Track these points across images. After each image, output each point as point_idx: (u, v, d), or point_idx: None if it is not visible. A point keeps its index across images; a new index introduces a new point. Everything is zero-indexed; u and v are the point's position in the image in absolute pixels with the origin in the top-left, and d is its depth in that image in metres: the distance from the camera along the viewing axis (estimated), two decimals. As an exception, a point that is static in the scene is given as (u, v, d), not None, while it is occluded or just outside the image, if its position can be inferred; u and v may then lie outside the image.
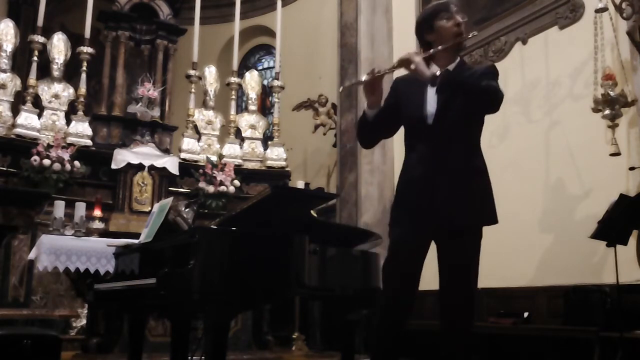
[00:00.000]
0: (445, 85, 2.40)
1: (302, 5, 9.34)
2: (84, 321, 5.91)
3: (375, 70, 2.47)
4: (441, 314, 2.43)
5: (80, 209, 5.35)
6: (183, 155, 7.61)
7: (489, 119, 6.25)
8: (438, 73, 2.40)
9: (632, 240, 4.04)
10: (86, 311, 5.53)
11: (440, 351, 2.41)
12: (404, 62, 2.41)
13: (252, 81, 8.34)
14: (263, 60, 10.76)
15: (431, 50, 2.50)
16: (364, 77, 2.47)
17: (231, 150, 7.85)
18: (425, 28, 2.57)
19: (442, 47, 2.47)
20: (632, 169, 4.39)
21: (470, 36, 2.53)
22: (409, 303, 2.47)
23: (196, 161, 7.62)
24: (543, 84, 5.43)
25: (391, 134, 2.70)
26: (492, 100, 2.40)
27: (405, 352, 2.50)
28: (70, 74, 7.53)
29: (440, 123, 2.43)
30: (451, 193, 2.37)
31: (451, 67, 2.53)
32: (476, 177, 2.46)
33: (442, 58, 2.51)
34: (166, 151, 7.48)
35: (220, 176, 7.35)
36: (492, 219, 2.47)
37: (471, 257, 2.41)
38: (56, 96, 7.14)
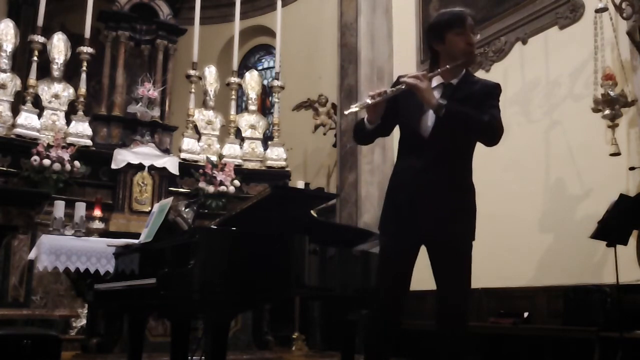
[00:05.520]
0: (446, 120, 2.35)
1: (302, 5, 9.34)
2: (84, 321, 5.91)
3: (380, 92, 2.41)
4: (437, 317, 2.46)
5: (80, 209, 5.35)
6: (183, 155, 7.62)
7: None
8: (444, 102, 2.35)
9: (632, 240, 4.04)
10: (86, 311, 5.53)
11: (439, 354, 2.44)
12: (411, 87, 2.37)
13: (252, 81, 8.34)
14: (263, 60, 10.76)
15: (438, 70, 2.44)
16: (368, 101, 2.41)
17: (231, 150, 7.85)
18: (435, 36, 2.49)
19: (450, 66, 2.42)
20: (632, 169, 4.39)
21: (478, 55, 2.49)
22: (400, 305, 2.50)
23: (196, 161, 7.62)
24: (543, 84, 5.43)
25: (388, 133, 2.66)
26: (492, 138, 2.41)
27: (405, 353, 2.52)
28: (70, 74, 7.53)
29: (436, 138, 2.41)
30: (437, 207, 2.38)
31: (455, 81, 2.48)
32: (464, 195, 2.46)
33: (446, 71, 2.45)
34: (166, 151, 7.48)
35: (220, 176, 7.36)
36: (472, 236, 2.47)
37: (459, 267, 2.43)
38: (56, 96, 7.15)
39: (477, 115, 2.36)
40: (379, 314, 2.51)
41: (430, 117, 2.43)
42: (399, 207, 2.46)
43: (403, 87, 2.40)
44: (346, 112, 2.53)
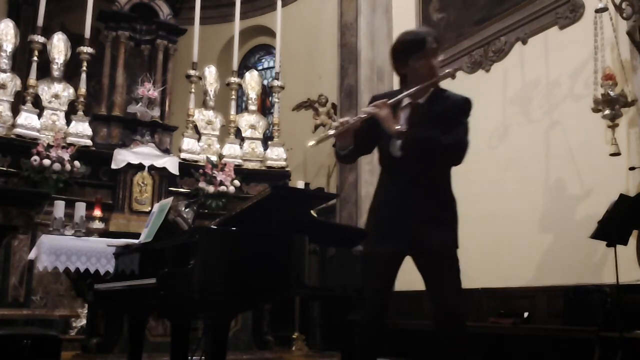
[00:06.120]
0: (407, 147, 2.43)
1: (302, 5, 9.33)
2: (84, 321, 5.91)
3: (343, 121, 2.49)
4: (435, 322, 2.50)
5: (80, 209, 5.35)
6: (183, 155, 7.62)
7: (489, 119, 6.25)
8: (403, 129, 2.42)
9: (632, 240, 4.04)
10: (86, 311, 5.53)
11: (438, 354, 2.47)
12: (372, 116, 2.45)
13: (252, 81, 8.34)
14: (263, 60, 10.76)
15: (398, 97, 2.50)
16: (331, 131, 2.51)
17: (231, 150, 7.85)
18: (399, 60, 2.55)
19: (412, 91, 2.47)
20: (632, 169, 4.39)
21: (445, 77, 2.50)
22: (384, 307, 2.57)
23: (196, 161, 7.62)
24: (543, 84, 5.43)
25: (369, 151, 2.73)
26: (454, 160, 2.47)
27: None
28: (70, 74, 7.53)
29: (407, 159, 2.47)
30: (421, 220, 2.44)
31: (422, 100, 2.53)
32: (445, 207, 2.52)
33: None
34: (166, 151, 7.48)
35: (220, 176, 7.36)
36: (456, 245, 2.52)
37: (449, 272, 2.48)
38: (56, 96, 7.15)
39: (437, 139, 2.40)
40: (369, 317, 2.57)
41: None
42: (385, 220, 2.54)
43: (364, 116, 2.47)
44: (309, 145, 2.61)
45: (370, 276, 2.61)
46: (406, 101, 2.53)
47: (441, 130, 2.41)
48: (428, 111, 2.49)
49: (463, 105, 2.52)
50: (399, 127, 2.42)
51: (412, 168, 2.47)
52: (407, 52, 2.50)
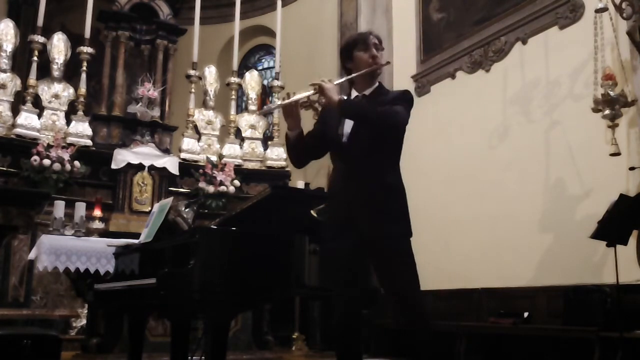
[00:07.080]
0: (343, 114, 2.61)
1: (302, 5, 9.33)
2: (84, 321, 5.91)
3: (291, 95, 2.63)
4: (402, 320, 2.53)
5: (80, 209, 5.35)
6: (183, 155, 7.62)
7: (489, 119, 6.24)
8: (344, 97, 2.60)
9: (632, 240, 4.04)
10: (86, 311, 5.52)
11: (408, 350, 2.51)
12: (317, 89, 2.64)
13: (252, 81, 8.34)
14: (263, 60, 10.75)
15: (343, 78, 2.76)
16: (279, 102, 2.64)
17: (231, 150, 7.85)
18: (345, 56, 2.79)
19: (355, 75, 2.70)
20: (632, 169, 4.39)
21: (384, 64, 2.75)
22: (355, 300, 2.59)
23: (196, 161, 7.62)
24: (543, 84, 5.43)
25: (320, 155, 2.87)
26: (385, 125, 2.57)
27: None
28: (70, 74, 7.53)
29: (354, 142, 2.61)
30: (363, 208, 2.52)
31: (368, 91, 2.73)
32: (392, 196, 2.57)
33: (360, 83, 2.74)
34: (166, 151, 7.48)
35: (220, 176, 7.36)
36: (408, 234, 2.55)
37: (403, 267, 2.49)
38: (56, 96, 7.14)
39: (372, 108, 2.57)
40: (341, 315, 2.57)
41: (348, 123, 2.66)
42: (333, 212, 2.62)
43: (310, 91, 2.68)
44: (257, 112, 2.71)
45: (333, 272, 2.61)
46: (354, 94, 2.75)
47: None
48: (372, 101, 2.67)
49: (402, 95, 2.71)
50: (340, 96, 2.58)
51: (356, 153, 2.57)
52: (353, 46, 2.75)
